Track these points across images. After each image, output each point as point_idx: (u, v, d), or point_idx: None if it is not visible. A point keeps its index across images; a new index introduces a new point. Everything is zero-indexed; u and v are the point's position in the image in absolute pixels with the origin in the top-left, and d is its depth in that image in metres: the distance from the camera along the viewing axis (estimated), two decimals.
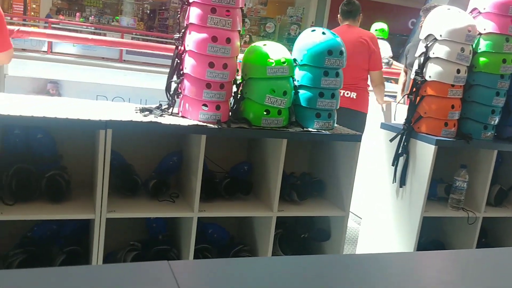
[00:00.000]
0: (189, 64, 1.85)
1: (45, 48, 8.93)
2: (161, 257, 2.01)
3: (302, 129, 2.00)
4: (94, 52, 10.23)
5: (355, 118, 3.13)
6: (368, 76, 3.31)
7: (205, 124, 1.85)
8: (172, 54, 1.93)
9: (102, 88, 4.01)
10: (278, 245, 2.12)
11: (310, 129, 2.03)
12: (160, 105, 1.98)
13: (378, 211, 2.51)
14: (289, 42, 12.19)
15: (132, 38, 11.82)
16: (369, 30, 4.26)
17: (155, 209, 1.93)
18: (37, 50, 8.97)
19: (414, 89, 2.29)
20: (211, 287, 0.76)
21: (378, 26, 5.72)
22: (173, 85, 1.94)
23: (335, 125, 2.12)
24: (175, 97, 1.95)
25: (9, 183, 1.73)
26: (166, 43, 10.94)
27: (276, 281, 0.80)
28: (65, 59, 4.80)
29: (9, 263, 1.82)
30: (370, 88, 3.41)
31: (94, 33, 11.15)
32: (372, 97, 3.45)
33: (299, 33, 2.23)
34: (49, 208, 1.77)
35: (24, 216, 1.71)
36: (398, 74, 4.66)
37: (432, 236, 2.56)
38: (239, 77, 1.99)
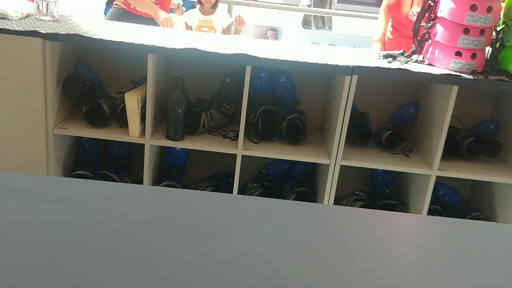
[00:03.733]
0: (446, 6, 1.64)
1: None
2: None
3: None
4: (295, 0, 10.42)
5: None
6: None
7: (458, 73, 1.65)
8: None
9: (315, 35, 4.03)
10: None
11: None
12: (404, 51, 1.84)
13: None
14: None
15: None
16: None
17: (388, 161, 1.85)
18: None
19: None
20: None
21: None
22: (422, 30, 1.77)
23: None
24: (422, 43, 1.78)
25: (256, 122, 1.85)
26: None
27: None
28: (275, 5, 4.96)
29: (249, 194, 1.99)
30: None
31: None
32: None
33: None
34: (288, 149, 1.85)
35: (268, 154, 1.82)
36: None
37: None
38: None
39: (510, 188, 1.83)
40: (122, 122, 1.76)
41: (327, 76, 2.00)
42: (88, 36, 1.60)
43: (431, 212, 1.89)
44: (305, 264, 0.44)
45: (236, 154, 1.80)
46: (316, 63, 1.65)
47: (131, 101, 1.67)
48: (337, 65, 1.65)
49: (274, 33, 4.16)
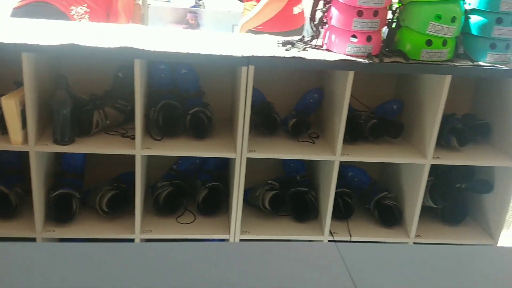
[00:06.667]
0: None
1: None
2: (299, 198, 1.94)
3: (472, 63, 1.66)
4: None
5: None
6: None
7: (353, 58, 1.63)
8: None
9: (238, 16, 3.92)
10: (428, 194, 1.89)
11: (481, 63, 1.68)
12: (303, 37, 1.79)
13: None
14: None
15: None
16: None
17: (294, 150, 1.82)
18: None
19: None
20: (382, 272, 0.63)
21: None
22: (318, 14, 1.72)
23: None
24: (320, 27, 1.74)
25: (156, 118, 1.75)
26: None
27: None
28: None
29: (157, 194, 1.90)
30: None
31: None
32: None
33: None
34: (192, 145, 1.77)
35: (170, 152, 1.73)
36: None
37: None
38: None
39: (414, 167, 1.86)
40: (4, 128, 1.61)
41: (231, 66, 1.93)
42: None
43: (340, 195, 1.90)
44: None
45: (134, 155, 1.70)
46: (210, 54, 1.57)
47: (9, 105, 1.52)
48: (231, 56, 1.57)
49: (194, 15, 4.01)
